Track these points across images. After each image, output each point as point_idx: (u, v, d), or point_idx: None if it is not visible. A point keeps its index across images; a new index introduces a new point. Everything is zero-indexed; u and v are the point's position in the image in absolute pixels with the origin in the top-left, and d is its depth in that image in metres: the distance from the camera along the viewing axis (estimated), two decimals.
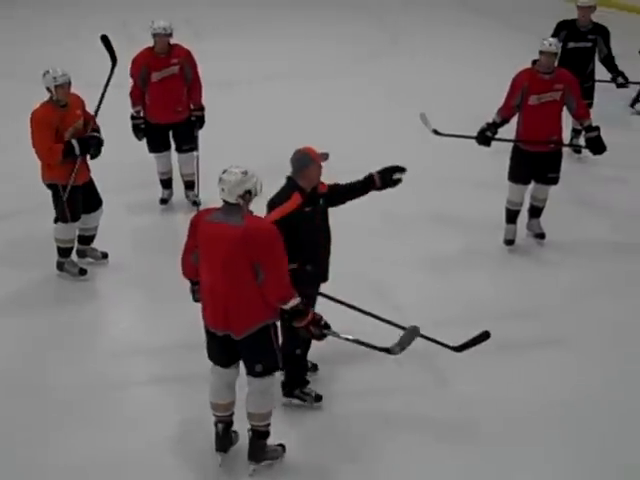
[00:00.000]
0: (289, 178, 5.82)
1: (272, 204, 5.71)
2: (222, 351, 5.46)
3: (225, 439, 5.64)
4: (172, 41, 8.65)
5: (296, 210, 5.70)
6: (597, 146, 8.10)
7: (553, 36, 9.14)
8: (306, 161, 5.76)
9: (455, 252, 8.13)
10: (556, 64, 8.03)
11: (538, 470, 5.68)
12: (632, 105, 11.82)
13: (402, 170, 6.15)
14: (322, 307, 5.84)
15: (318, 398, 6.18)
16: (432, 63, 13.51)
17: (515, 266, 8.04)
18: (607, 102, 10.74)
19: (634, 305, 7.32)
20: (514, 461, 5.72)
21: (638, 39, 12.00)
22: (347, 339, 5.54)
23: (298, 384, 6.20)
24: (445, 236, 8.32)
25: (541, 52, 7.92)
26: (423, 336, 5.90)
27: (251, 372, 5.43)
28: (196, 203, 8.83)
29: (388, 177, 6.13)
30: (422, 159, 9.38)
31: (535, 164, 8.04)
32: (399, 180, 6.16)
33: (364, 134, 10.68)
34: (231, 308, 5.25)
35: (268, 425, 5.54)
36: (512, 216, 8.27)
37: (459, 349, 6.01)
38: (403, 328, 5.81)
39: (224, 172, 5.23)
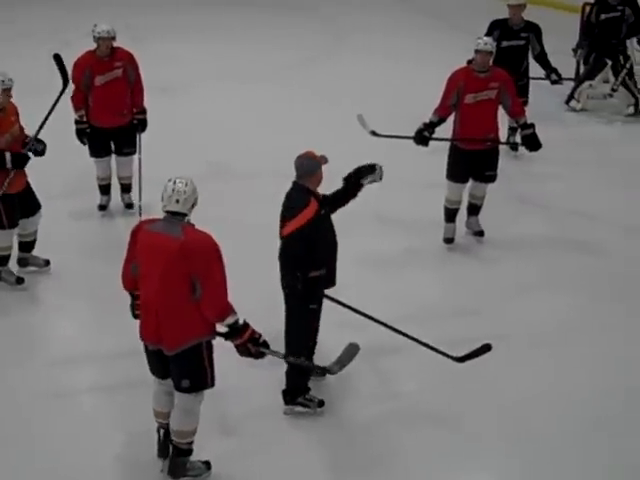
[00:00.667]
0: (297, 183, 5.86)
1: (291, 212, 5.75)
2: (157, 364, 5.41)
3: (165, 446, 5.56)
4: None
5: (316, 215, 5.74)
6: (533, 143, 8.20)
7: (487, 35, 9.22)
8: (314, 165, 5.85)
9: (395, 252, 8.16)
10: (491, 63, 8.11)
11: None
12: (567, 102, 11.95)
13: (372, 170, 6.17)
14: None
15: (321, 403, 6.16)
16: (371, 64, 13.50)
17: (455, 264, 8.11)
18: (542, 99, 10.88)
19: (574, 299, 7.42)
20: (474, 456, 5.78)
21: (570, 36, 12.12)
22: (285, 357, 5.46)
23: (301, 391, 6.15)
24: (385, 236, 8.36)
25: (477, 51, 7.99)
26: (427, 346, 5.96)
27: (178, 387, 5.33)
28: (130, 206, 8.85)
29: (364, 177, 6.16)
30: (360, 160, 9.40)
31: (472, 162, 8.11)
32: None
33: (302, 136, 10.58)
34: (163, 323, 5.19)
35: (190, 443, 5.44)
36: (451, 215, 8.33)
37: (461, 360, 5.99)
38: (411, 338, 5.92)
39: (174, 183, 5.16)
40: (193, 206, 5.19)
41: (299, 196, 5.81)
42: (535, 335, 6.97)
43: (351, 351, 5.52)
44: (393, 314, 6.37)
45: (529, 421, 6.06)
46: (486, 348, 5.94)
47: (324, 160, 5.89)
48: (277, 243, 5.91)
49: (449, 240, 8.34)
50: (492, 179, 8.27)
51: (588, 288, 7.63)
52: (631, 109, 11.71)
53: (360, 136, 8.59)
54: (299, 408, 6.12)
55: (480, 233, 8.45)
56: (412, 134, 8.13)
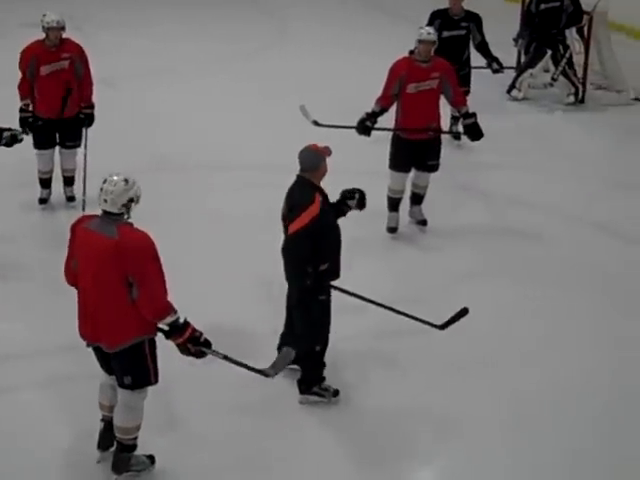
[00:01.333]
0: (301, 177, 5.84)
1: (297, 207, 5.72)
2: (100, 360, 5.37)
3: (105, 438, 5.52)
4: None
5: (321, 211, 5.72)
6: (475, 132, 8.26)
7: (428, 25, 9.25)
8: (319, 158, 5.85)
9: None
10: (433, 53, 8.15)
11: None
12: (508, 91, 12.06)
13: (353, 196, 6.11)
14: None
15: (336, 393, 6.17)
16: (313, 55, 13.55)
17: (399, 253, 8.15)
18: (484, 89, 10.98)
19: (516, 286, 7.48)
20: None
21: (512, 25, 12.22)
22: (225, 358, 5.43)
23: (316, 381, 6.15)
24: None
25: (420, 41, 8.02)
26: (409, 315, 6.06)
27: (120, 384, 5.28)
28: (72, 199, 8.78)
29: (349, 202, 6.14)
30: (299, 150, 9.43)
31: (415, 152, 8.14)
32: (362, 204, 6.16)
33: (247, 128, 10.65)
34: (100, 322, 5.14)
35: (134, 439, 5.39)
36: (394, 204, 8.36)
37: (443, 327, 6.09)
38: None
39: (104, 182, 5.11)
40: (128, 204, 5.10)
41: (304, 191, 5.80)
42: (478, 322, 7.03)
43: (286, 356, 5.51)
44: (338, 304, 6.40)
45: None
46: (464, 312, 6.05)
47: (328, 152, 5.89)
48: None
49: (392, 229, 8.37)
50: (435, 168, 8.31)
51: (529, 275, 7.71)
52: (571, 98, 11.85)
53: (303, 126, 8.57)
54: (314, 397, 6.15)
55: (423, 222, 8.49)
56: (355, 124, 8.14)
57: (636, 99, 9.83)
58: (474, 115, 8.21)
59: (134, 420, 5.36)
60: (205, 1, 16.81)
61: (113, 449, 5.48)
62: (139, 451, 5.46)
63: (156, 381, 5.35)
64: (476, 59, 10.40)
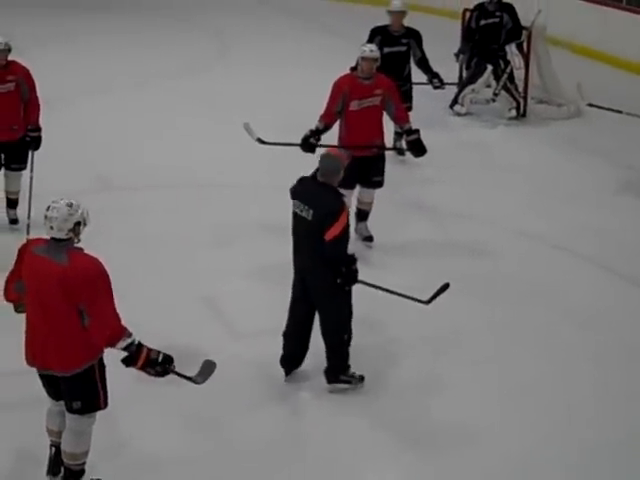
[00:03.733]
0: (324, 184, 6.15)
1: (332, 213, 5.99)
2: (48, 386, 5.29)
3: (56, 464, 5.44)
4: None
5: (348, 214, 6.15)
6: (418, 148, 8.31)
7: (368, 42, 9.31)
8: (340, 164, 6.21)
9: (283, 259, 8.14)
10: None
11: None
12: (451, 106, 12.15)
13: None
14: None
15: (362, 379, 6.44)
16: (256, 72, 13.56)
17: None
18: (426, 104, 11.05)
19: (462, 300, 7.47)
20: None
21: (452, 42, 12.32)
22: (178, 374, 5.33)
23: (343, 370, 6.38)
24: (273, 244, 8.33)
25: (363, 58, 8.05)
26: (394, 292, 6.35)
27: (69, 409, 5.20)
28: (15, 222, 8.67)
29: None
30: (247, 168, 9.44)
31: (359, 168, 8.13)
32: None
33: (190, 146, 10.63)
34: (51, 348, 5.06)
35: (82, 464, 5.33)
36: None
37: (428, 302, 6.37)
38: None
39: (48, 209, 5.01)
40: (75, 229, 5.02)
41: (331, 197, 6.10)
42: (428, 338, 7.07)
43: (211, 365, 5.47)
44: (279, 322, 6.42)
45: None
46: (446, 286, 6.39)
47: (347, 157, 6.33)
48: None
49: None
50: (379, 184, 8.35)
51: (476, 289, 7.75)
52: (513, 112, 11.96)
53: (246, 143, 8.57)
54: (343, 385, 6.38)
55: (369, 238, 8.50)
56: (299, 141, 8.15)
57: (590, 105, 9.94)
58: (417, 131, 8.26)
59: (82, 445, 5.30)
60: (144, 16, 16.76)
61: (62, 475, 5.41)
62: (87, 476, 5.39)
63: (105, 405, 5.29)
64: (417, 75, 10.45)
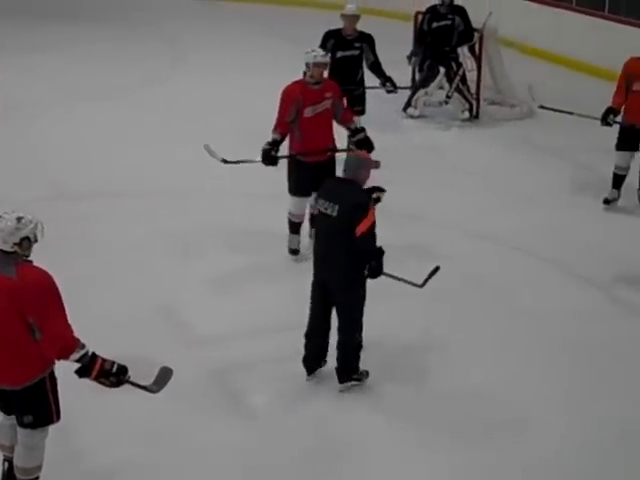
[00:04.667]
0: (352, 181, 6.31)
1: (360, 208, 6.16)
2: None
3: (8, 478, 5.37)
4: None
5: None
6: (368, 145, 8.30)
7: (321, 46, 9.32)
8: (367, 166, 6.40)
9: (242, 266, 8.15)
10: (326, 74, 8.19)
11: None
12: (404, 109, 12.20)
13: (382, 190, 6.66)
14: None
15: (367, 374, 6.58)
16: (213, 81, 13.50)
17: (302, 275, 8.06)
18: (379, 108, 11.07)
19: (418, 302, 7.49)
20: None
21: (405, 44, 12.35)
22: (133, 384, 5.31)
23: (355, 370, 6.51)
24: (230, 251, 8.35)
25: (315, 64, 8.03)
26: (388, 275, 6.39)
27: (20, 423, 5.14)
28: None
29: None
30: (206, 174, 9.40)
31: (316, 174, 8.11)
32: (379, 199, 6.61)
33: (145, 157, 10.55)
34: (1, 362, 4.99)
35: (36, 479, 5.26)
36: (296, 227, 8.36)
37: (422, 285, 6.53)
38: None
39: None
40: (22, 243, 4.92)
41: (360, 194, 6.30)
42: (392, 341, 7.08)
43: (167, 373, 5.44)
44: (242, 329, 6.40)
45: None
46: (436, 269, 6.55)
47: (376, 165, 6.55)
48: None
49: (294, 251, 8.38)
50: None
51: (429, 291, 7.73)
52: (466, 114, 12.04)
53: (203, 153, 8.43)
54: (352, 382, 6.51)
55: None
56: (258, 153, 8.06)
57: (542, 107, 10.00)
58: (363, 129, 8.34)
59: (35, 460, 5.24)
60: (104, 24, 16.69)
61: None
62: None
63: (58, 419, 5.23)
64: (370, 79, 10.47)
